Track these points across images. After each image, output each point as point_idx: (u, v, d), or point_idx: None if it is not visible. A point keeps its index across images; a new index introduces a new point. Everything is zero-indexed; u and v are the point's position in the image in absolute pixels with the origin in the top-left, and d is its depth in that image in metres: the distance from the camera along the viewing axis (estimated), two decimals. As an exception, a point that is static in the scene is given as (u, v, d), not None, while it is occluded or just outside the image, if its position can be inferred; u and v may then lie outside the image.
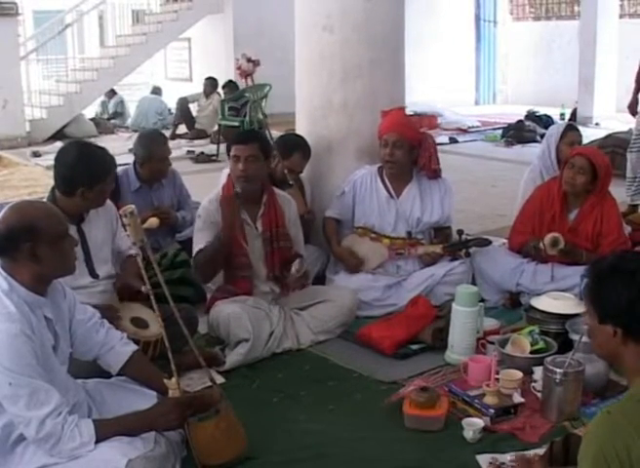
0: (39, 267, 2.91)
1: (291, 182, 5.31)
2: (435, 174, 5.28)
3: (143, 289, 3.24)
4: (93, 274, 4.04)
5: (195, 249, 4.61)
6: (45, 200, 3.90)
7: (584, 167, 4.91)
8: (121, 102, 15.55)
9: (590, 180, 4.94)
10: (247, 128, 10.91)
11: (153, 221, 5.05)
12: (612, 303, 2.26)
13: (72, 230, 3.57)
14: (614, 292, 2.25)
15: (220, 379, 4.00)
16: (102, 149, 4.14)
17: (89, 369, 3.36)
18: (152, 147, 5.40)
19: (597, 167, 4.91)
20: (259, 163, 4.52)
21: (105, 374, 3.36)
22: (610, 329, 2.26)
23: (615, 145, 9.07)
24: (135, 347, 3.39)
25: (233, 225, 4.47)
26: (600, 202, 5.01)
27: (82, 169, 3.91)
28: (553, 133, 5.76)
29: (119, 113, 15.40)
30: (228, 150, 4.76)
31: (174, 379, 3.20)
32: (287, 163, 5.31)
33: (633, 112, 7.40)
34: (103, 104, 15.50)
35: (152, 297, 3.23)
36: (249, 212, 4.63)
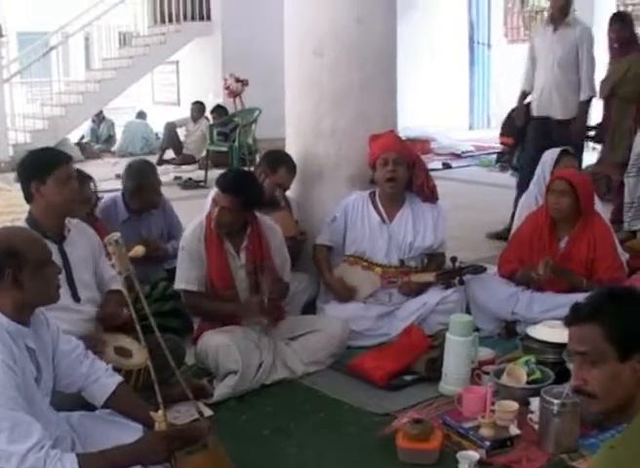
0: (22, 294, 2.90)
1: (282, 204, 5.34)
2: (433, 192, 5.31)
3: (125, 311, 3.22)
4: (75, 297, 4.01)
5: (181, 285, 4.65)
6: (24, 222, 3.93)
7: (565, 189, 4.98)
8: (112, 126, 15.59)
9: (574, 202, 4.99)
10: (236, 153, 10.91)
11: (139, 250, 5.08)
12: (621, 324, 2.15)
13: (54, 249, 3.57)
14: (622, 314, 2.17)
15: (208, 412, 3.99)
16: (58, 150, 4.21)
17: (72, 401, 3.34)
18: (141, 179, 5.42)
19: (576, 187, 4.97)
20: (233, 214, 4.53)
21: (90, 407, 3.33)
22: (635, 363, 2.14)
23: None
24: (120, 379, 3.36)
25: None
26: (591, 226, 5.06)
27: (29, 162, 3.99)
28: (548, 158, 5.81)
29: (112, 137, 15.44)
30: None
31: (160, 412, 3.18)
32: (274, 178, 5.33)
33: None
34: (93, 131, 15.48)
35: (138, 327, 3.23)
36: (232, 242, 4.64)
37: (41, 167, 3.93)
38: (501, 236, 6.96)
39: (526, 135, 7.62)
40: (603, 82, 7.58)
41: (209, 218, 4.63)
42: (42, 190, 3.91)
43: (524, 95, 7.62)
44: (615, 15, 8.15)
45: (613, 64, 7.86)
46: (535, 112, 7.38)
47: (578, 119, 7.28)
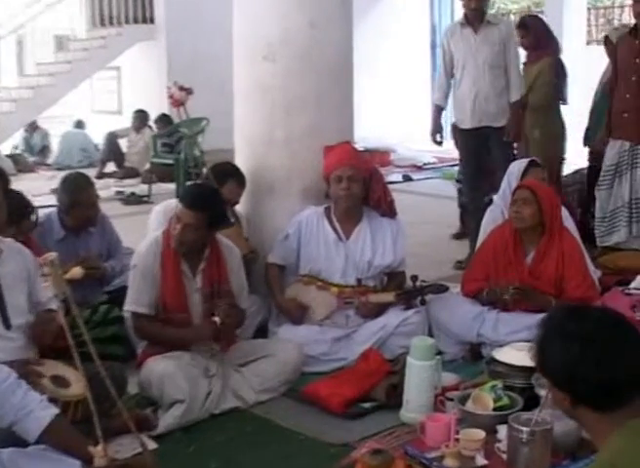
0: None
1: (232, 220, 5.32)
2: (391, 207, 5.32)
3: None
4: (5, 323, 3.89)
5: (130, 307, 4.60)
6: None
7: (528, 198, 5.03)
8: (46, 136, 15.44)
9: (538, 212, 5.03)
10: (182, 166, 10.85)
11: (76, 272, 5.03)
12: (555, 369, 2.29)
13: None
14: (555, 357, 2.27)
15: (152, 445, 3.93)
16: None
17: (3, 436, 3.27)
18: (77, 193, 5.36)
19: (539, 196, 5.01)
20: (197, 232, 4.49)
21: (22, 443, 3.27)
22: (560, 393, 2.29)
23: (582, 182, 9.20)
24: (56, 411, 3.31)
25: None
26: (559, 241, 5.09)
27: None
28: (514, 170, 5.84)
29: (47, 147, 15.29)
30: None
31: (100, 446, 3.15)
32: (222, 193, 5.30)
33: (599, 150, 7.44)
34: (26, 141, 15.33)
35: (75, 354, 3.18)
36: (189, 264, 4.60)
37: None
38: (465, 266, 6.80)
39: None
40: None
41: (166, 235, 4.59)
42: None
43: (439, 110, 7.49)
44: (520, 20, 8.21)
45: (524, 70, 7.75)
46: (468, 124, 7.17)
47: (512, 120, 7.08)
